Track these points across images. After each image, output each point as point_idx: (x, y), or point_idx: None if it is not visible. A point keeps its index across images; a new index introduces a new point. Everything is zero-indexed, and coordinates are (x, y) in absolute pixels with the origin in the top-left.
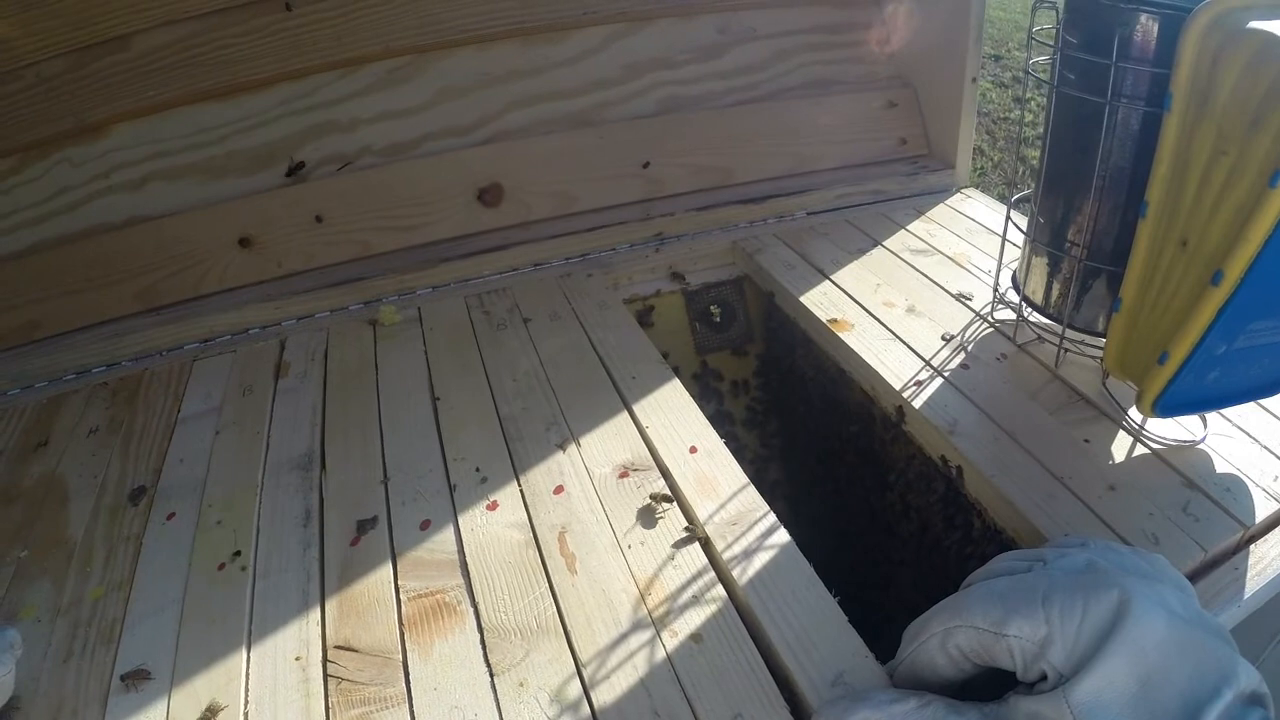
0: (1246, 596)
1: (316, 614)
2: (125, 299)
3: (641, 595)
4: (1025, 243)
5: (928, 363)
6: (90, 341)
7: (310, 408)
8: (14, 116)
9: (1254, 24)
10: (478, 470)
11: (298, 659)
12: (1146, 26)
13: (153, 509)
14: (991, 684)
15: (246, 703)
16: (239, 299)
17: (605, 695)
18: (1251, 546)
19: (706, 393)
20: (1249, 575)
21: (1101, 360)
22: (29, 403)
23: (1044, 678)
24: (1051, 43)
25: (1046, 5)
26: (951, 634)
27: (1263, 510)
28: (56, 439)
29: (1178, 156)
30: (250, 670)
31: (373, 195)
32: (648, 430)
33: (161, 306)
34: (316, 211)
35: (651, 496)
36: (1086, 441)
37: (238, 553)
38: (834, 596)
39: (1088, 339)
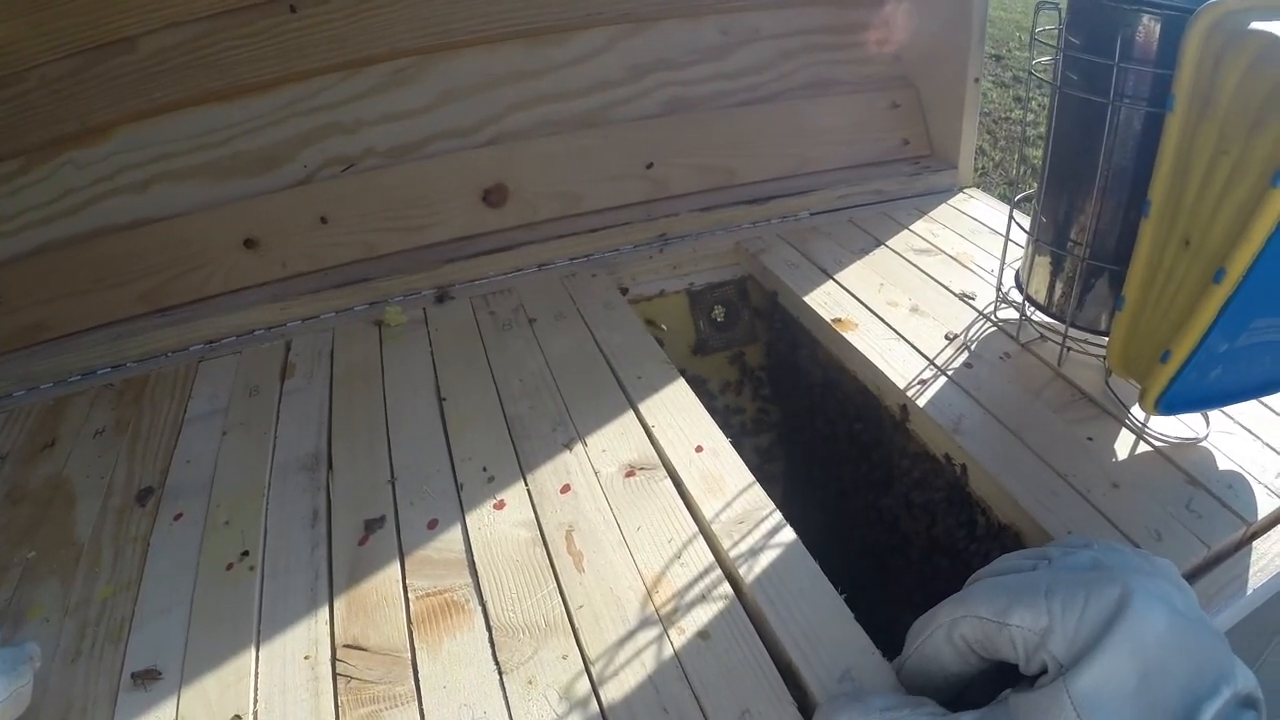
0: (1249, 592)
1: (325, 613)
2: (130, 300)
3: (649, 593)
4: (1028, 242)
5: (931, 362)
6: (96, 343)
7: (317, 408)
8: (19, 118)
9: (1256, 25)
10: (484, 470)
11: (307, 658)
12: (1149, 27)
13: (160, 509)
14: (993, 689)
15: (256, 701)
16: (244, 300)
17: (614, 692)
18: (1254, 543)
19: (710, 392)
20: (1251, 571)
21: (1104, 359)
22: (35, 404)
23: (1045, 670)
24: (1054, 44)
25: (1049, 6)
26: (957, 624)
27: (1265, 507)
28: (63, 440)
29: (1180, 156)
30: (259, 669)
31: (377, 196)
32: (654, 429)
33: (167, 308)
34: (321, 213)
35: None
36: (1090, 439)
37: (246, 553)
38: (840, 594)
39: (1091, 338)
